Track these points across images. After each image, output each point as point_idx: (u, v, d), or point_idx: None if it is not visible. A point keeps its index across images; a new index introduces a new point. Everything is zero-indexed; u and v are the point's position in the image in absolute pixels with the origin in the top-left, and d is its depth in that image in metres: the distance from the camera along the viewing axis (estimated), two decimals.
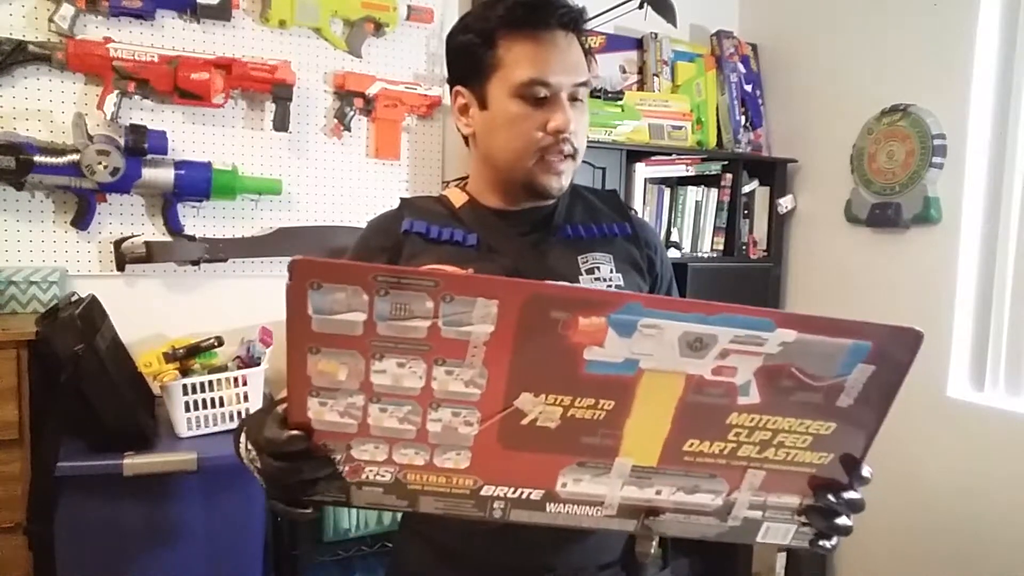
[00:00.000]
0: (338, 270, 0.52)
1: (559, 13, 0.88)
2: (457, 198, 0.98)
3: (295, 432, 0.59)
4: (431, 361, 0.54)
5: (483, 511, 0.63)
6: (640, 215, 1.75)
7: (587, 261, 0.94)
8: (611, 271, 0.94)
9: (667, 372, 0.56)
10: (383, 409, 0.57)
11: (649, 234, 1.03)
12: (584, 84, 0.90)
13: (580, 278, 0.92)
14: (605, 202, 1.03)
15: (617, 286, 0.93)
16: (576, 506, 0.63)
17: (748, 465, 0.63)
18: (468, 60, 0.93)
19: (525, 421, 0.57)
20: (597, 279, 0.93)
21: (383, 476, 0.61)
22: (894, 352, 0.57)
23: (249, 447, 0.70)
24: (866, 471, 0.64)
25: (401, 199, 1.02)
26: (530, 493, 0.62)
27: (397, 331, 0.53)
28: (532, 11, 0.87)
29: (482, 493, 0.62)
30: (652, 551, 0.74)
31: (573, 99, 0.90)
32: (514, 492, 0.62)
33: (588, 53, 0.95)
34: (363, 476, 0.61)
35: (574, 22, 0.90)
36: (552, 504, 0.63)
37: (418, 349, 0.54)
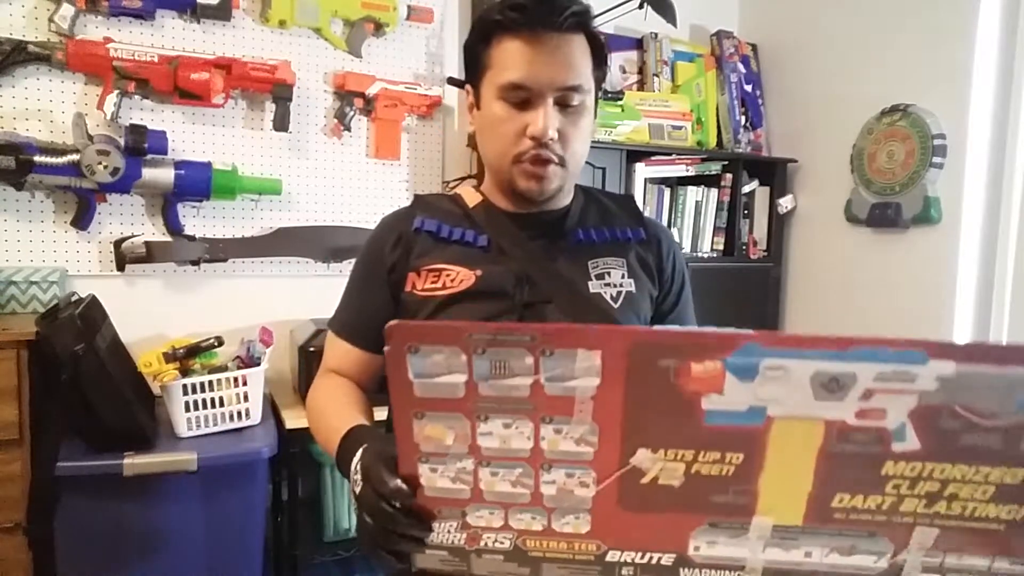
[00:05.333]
0: (433, 332, 0.51)
1: (552, 14, 0.84)
2: (471, 198, 0.98)
3: (402, 487, 0.58)
4: (537, 420, 0.51)
5: None
6: None
7: (597, 266, 0.93)
8: (622, 276, 0.93)
9: (801, 419, 0.49)
10: (494, 473, 0.55)
11: (663, 236, 1.01)
12: (574, 89, 0.85)
13: (589, 283, 0.91)
14: (620, 206, 1.01)
15: (628, 292, 0.93)
16: (714, 571, 0.57)
17: (915, 522, 0.53)
18: (470, 58, 0.93)
19: (645, 480, 0.52)
20: (607, 284, 0.92)
21: (502, 543, 0.59)
22: None
23: (357, 468, 0.68)
24: None
25: (415, 196, 1.01)
26: (660, 558, 0.57)
27: (499, 391, 0.51)
28: (523, 11, 0.85)
29: (608, 559, 0.58)
30: None
31: (564, 104, 0.86)
32: (643, 557, 0.57)
33: (600, 56, 0.91)
34: (481, 543, 0.59)
35: (567, 22, 0.85)
36: (686, 569, 0.57)
37: (523, 408, 0.51)
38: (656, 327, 0.50)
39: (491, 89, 0.88)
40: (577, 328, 0.50)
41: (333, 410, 0.88)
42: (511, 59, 0.85)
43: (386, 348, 0.51)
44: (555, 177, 0.89)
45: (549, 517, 0.56)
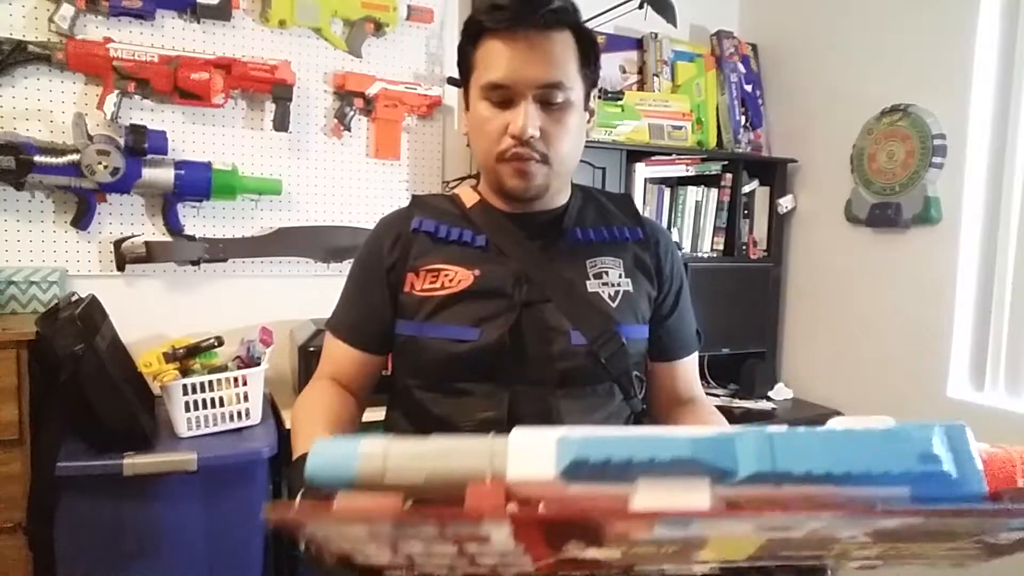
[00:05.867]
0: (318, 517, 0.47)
1: (531, 12, 0.84)
2: (469, 198, 0.98)
3: (338, 563, 0.56)
4: (457, 542, 0.49)
5: None
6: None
7: (595, 265, 0.93)
8: (620, 276, 0.93)
9: (741, 536, 0.46)
10: (425, 562, 0.53)
11: (661, 237, 1.01)
12: (555, 86, 0.85)
13: (587, 282, 0.91)
14: (618, 206, 1.01)
15: (625, 291, 0.93)
16: (663, 568, 0.58)
17: (858, 557, 0.54)
18: (460, 60, 0.93)
19: (582, 556, 0.50)
20: (605, 283, 0.92)
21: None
22: None
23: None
24: None
25: (413, 196, 1.02)
26: (610, 567, 0.58)
27: (407, 534, 0.48)
28: (502, 11, 0.85)
29: (560, 573, 0.58)
30: None
31: (547, 102, 0.86)
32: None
33: (588, 53, 0.90)
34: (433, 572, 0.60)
35: (546, 19, 0.84)
36: (636, 569, 0.59)
37: (438, 539, 0.48)
38: (571, 497, 0.46)
39: (476, 90, 0.89)
40: (480, 508, 0.47)
41: (303, 425, 0.88)
42: (492, 59, 0.86)
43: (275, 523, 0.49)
44: (539, 174, 0.88)
45: (492, 571, 0.56)
